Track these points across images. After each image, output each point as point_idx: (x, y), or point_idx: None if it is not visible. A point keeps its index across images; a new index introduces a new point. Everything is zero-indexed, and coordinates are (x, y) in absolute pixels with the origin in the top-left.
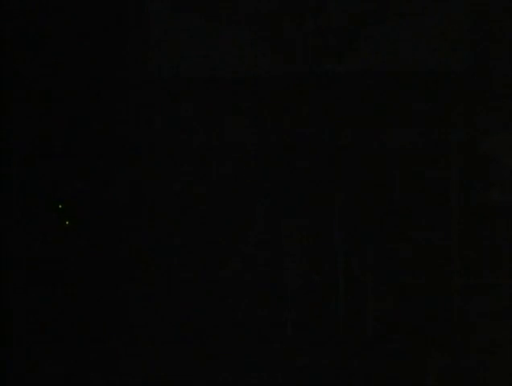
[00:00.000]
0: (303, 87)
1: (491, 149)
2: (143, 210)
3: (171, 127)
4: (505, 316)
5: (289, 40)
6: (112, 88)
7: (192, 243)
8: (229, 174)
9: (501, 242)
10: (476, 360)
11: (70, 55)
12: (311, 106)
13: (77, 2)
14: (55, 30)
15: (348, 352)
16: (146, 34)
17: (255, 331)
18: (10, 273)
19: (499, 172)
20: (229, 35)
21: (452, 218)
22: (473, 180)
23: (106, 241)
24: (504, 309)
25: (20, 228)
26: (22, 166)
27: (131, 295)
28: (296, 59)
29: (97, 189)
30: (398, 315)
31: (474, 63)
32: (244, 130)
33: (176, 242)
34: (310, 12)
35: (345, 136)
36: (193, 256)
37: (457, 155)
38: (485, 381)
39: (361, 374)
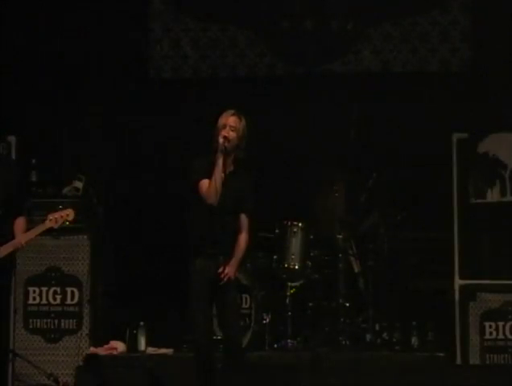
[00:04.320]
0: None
1: (491, 149)
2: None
3: (170, 126)
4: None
5: (289, 40)
6: (112, 88)
7: None
8: None
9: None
10: None
11: (70, 55)
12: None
13: (78, 2)
14: (54, 31)
15: None
16: (146, 35)
17: None
18: None
19: (499, 171)
20: (229, 35)
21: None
22: (474, 179)
23: None
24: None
25: None
26: None
27: None
28: (296, 60)
29: None
30: None
31: (474, 63)
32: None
33: None
34: (310, 12)
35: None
36: None
37: (458, 154)
38: None
39: None
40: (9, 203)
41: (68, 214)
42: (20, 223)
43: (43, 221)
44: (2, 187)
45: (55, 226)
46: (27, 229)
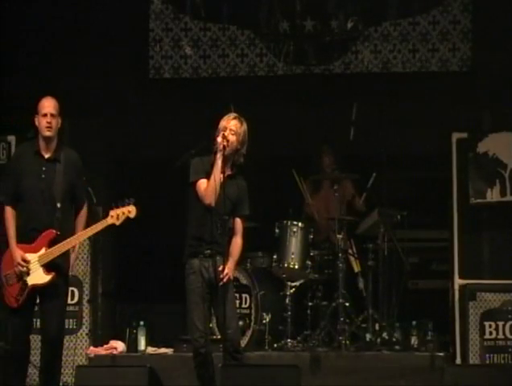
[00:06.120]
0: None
1: (491, 149)
2: None
3: (170, 126)
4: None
5: (289, 40)
6: (112, 88)
7: None
8: None
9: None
10: None
11: (70, 55)
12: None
13: (78, 2)
14: (54, 31)
15: None
16: (146, 34)
17: None
18: None
19: (499, 171)
20: (230, 35)
21: (453, 217)
22: (474, 179)
23: None
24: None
25: None
26: None
27: None
28: (296, 60)
29: None
30: None
31: (474, 63)
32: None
33: None
34: (310, 12)
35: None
36: None
37: (458, 154)
38: None
39: None
40: (71, 195)
41: (130, 211)
42: (82, 216)
43: (105, 217)
44: (66, 179)
45: (117, 223)
46: (89, 222)
